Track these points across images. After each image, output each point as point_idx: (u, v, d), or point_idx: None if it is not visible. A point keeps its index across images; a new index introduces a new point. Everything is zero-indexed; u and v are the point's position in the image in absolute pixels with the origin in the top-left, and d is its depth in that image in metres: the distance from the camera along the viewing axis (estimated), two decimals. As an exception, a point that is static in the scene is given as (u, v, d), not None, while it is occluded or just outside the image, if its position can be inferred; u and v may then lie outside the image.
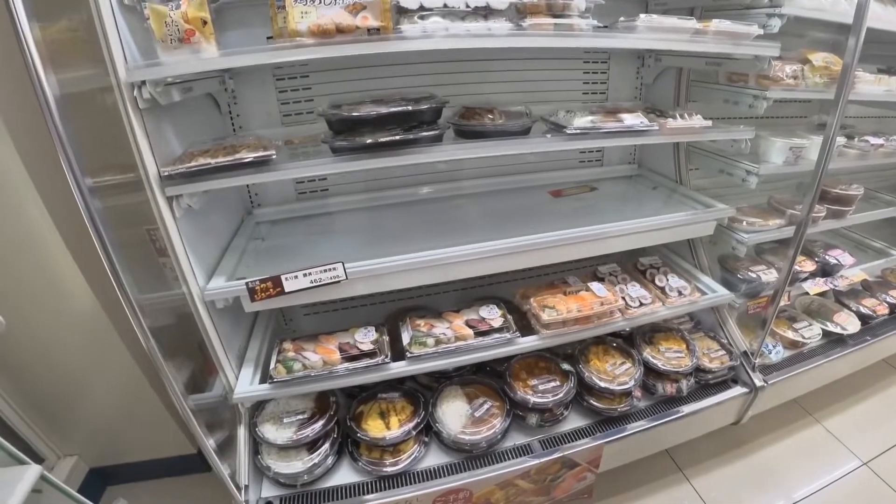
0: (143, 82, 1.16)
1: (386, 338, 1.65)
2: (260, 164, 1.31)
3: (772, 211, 2.18)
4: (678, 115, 1.69)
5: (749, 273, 2.09)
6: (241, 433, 1.63)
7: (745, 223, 2.04)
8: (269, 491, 1.62)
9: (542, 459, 1.65)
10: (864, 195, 2.25)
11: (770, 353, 2.12)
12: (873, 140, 2.13)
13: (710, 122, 1.71)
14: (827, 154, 1.69)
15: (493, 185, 2.14)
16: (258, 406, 1.68)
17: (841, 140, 2.09)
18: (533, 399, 1.69)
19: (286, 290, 1.43)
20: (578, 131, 1.49)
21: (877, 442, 2.32)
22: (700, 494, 2.06)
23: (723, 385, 2.01)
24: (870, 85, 2.00)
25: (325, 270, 1.43)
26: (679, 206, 1.97)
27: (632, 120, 1.59)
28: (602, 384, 1.76)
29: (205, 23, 1.19)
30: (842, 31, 1.60)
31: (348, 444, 1.67)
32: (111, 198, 1.35)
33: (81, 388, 1.94)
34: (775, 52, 1.64)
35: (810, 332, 2.26)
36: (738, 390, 2.00)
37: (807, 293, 2.24)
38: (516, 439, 1.75)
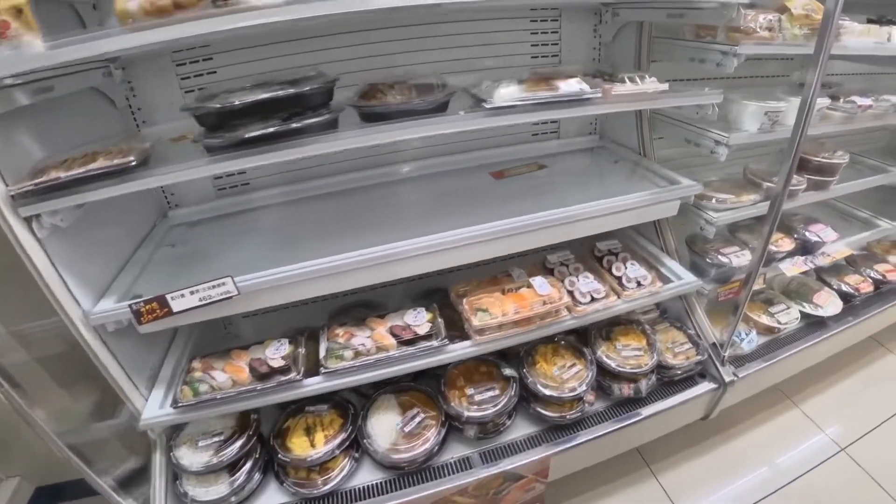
0: (-40, 88, 0.98)
1: (302, 350, 1.50)
2: (114, 175, 1.12)
3: (747, 184, 1.96)
4: (627, 79, 1.46)
5: (719, 257, 1.89)
6: (157, 459, 1.52)
7: (714, 200, 1.82)
8: (193, 519, 1.52)
9: (481, 475, 1.52)
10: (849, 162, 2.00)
11: (742, 341, 1.93)
12: (860, 101, 1.87)
13: (666, 86, 1.46)
14: (805, 119, 1.45)
15: (432, 167, 1.93)
16: (177, 427, 1.55)
17: (824, 101, 1.84)
18: (467, 413, 1.54)
19: (174, 310, 1.27)
20: (499, 106, 1.26)
21: (855, 425, 2.17)
22: (666, 491, 1.94)
23: (689, 381, 1.85)
24: (857, 37, 1.74)
25: (214, 286, 1.27)
26: (641, 182, 1.76)
27: (568, 87, 1.35)
28: (547, 392, 1.60)
29: (20, 11, 0.98)
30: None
31: (274, 463, 1.55)
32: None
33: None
34: (745, -1, 1.39)
35: (787, 317, 2.06)
36: (705, 386, 1.83)
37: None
38: (455, 451, 1.61)
